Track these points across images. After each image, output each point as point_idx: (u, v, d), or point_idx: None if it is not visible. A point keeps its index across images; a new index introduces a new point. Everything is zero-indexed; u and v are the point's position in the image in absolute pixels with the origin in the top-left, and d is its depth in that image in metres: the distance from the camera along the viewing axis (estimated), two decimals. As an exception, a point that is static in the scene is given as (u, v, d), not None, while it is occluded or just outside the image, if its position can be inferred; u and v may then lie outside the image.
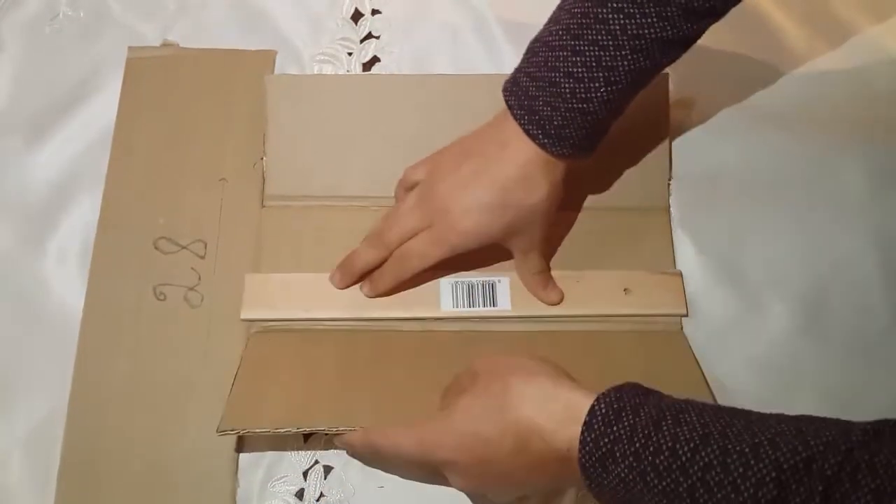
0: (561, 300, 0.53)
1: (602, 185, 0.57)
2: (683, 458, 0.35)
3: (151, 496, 0.49)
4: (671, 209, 0.57)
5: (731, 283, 0.55)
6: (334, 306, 0.53)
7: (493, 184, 0.48)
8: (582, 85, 0.45)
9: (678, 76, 0.57)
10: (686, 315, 0.54)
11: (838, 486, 0.32)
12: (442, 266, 0.51)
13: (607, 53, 0.44)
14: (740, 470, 0.33)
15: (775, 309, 0.54)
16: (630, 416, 0.37)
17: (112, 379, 0.51)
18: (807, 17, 0.64)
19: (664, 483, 0.35)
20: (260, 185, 0.57)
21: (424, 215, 0.49)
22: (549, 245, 0.53)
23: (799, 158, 0.59)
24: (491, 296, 0.53)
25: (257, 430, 0.45)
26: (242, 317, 0.52)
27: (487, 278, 0.54)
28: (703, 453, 0.34)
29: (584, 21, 0.45)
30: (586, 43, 0.44)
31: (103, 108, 0.60)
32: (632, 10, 0.43)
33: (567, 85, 0.45)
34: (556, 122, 0.46)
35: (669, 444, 0.35)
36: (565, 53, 0.45)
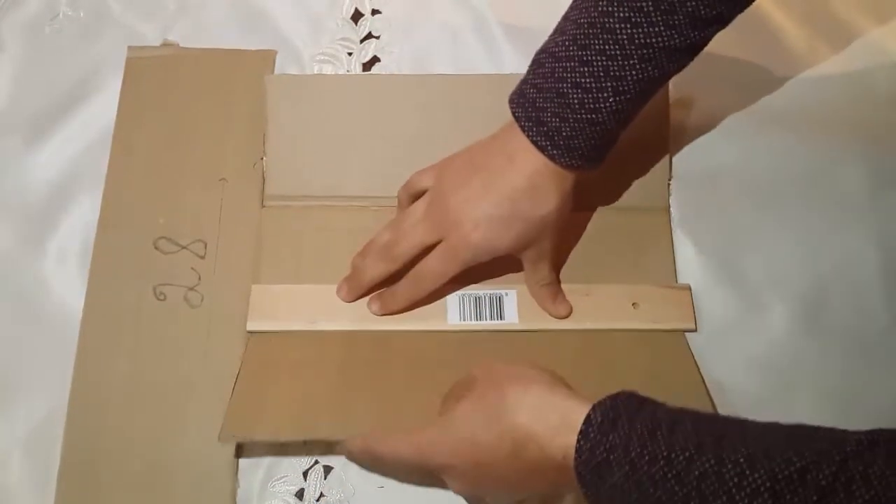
0: (569, 314, 0.53)
1: (602, 185, 0.57)
2: (679, 468, 0.35)
3: (151, 496, 0.49)
4: (671, 209, 0.57)
5: (731, 284, 0.55)
6: (340, 318, 0.52)
7: (503, 196, 0.47)
8: (590, 95, 0.45)
9: (679, 77, 0.57)
10: (695, 330, 0.53)
11: (833, 496, 0.32)
12: (451, 280, 0.51)
13: (615, 63, 0.44)
14: (735, 480, 0.33)
15: (775, 309, 0.54)
16: (625, 425, 0.37)
17: (112, 379, 0.51)
18: (807, 18, 0.64)
19: (660, 492, 0.35)
20: (260, 185, 0.57)
21: (434, 228, 0.49)
22: (558, 255, 0.53)
23: (799, 159, 0.59)
24: (498, 309, 0.53)
25: (258, 439, 0.46)
26: (248, 328, 0.52)
27: (495, 291, 0.54)
28: (698, 462, 0.34)
29: (590, 31, 0.44)
30: (594, 53, 0.44)
31: (103, 108, 0.60)
32: (639, 20, 0.43)
33: (575, 95, 0.45)
34: (564, 133, 0.46)
35: (665, 453, 0.35)
36: (573, 64, 0.45)
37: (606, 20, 0.44)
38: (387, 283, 0.52)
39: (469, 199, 0.48)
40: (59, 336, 0.52)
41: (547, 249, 0.51)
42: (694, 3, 0.43)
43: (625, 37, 0.44)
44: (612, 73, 0.44)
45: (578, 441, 0.37)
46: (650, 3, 0.43)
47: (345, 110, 0.57)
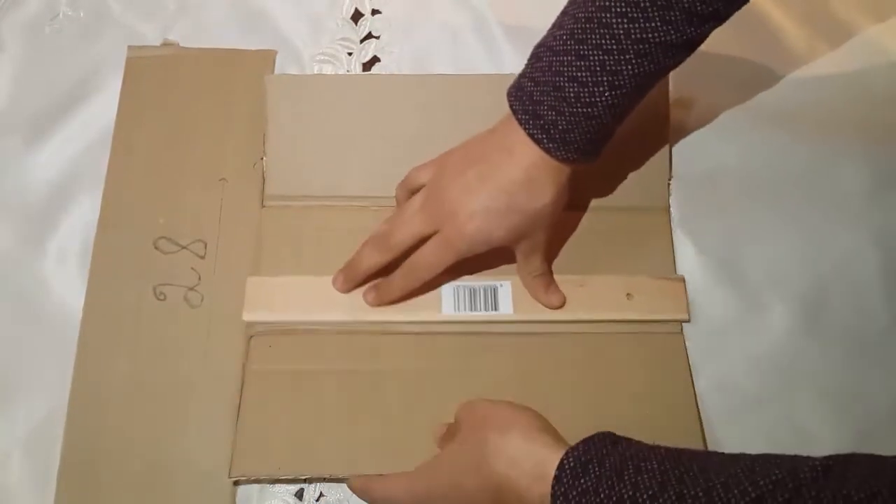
0: (562, 304, 0.53)
1: (602, 184, 0.57)
2: None
3: (151, 496, 0.49)
4: (671, 209, 0.57)
5: (731, 283, 0.55)
6: (335, 309, 0.53)
7: (499, 189, 0.48)
8: (586, 89, 0.45)
9: (678, 76, 0.57)
10: (688, 321, 0.54)
11: None
12: (446, 271, 0.51)
13: (611, 58, 0.44)
14: None
15: (775, 309, 0.54)
16: (596, 468, 0.39)
17: (112, 379, 0.51)
18: (807, 18, 0.64)
19: None
20: (260, 185, 0.57)
21: (430, 219, 0.49)
22: (552, 248, 0.53)
23: (799, 158, 0.59)
24: (493, 300, 0.53)
25: (264, 477, 0.49)
26: (244, 318, 0.52)
27: (489, 283, 0.54)
28: (660, 500, 0.36)
29: (588, 26, 0.45)
30: (590, 47, 0.44)
31: (103, 108, 0.60)
32: (635, 15, 0.43)
33: (571, 89, 0.45)
34: (560, 127, 0.46)
35: (630, 493, 0.37)
36: (570, 58, 0.45)
37: (603, 15, 0.44)
38: (382, 274, 0.52)
39: (465, 190, 0.48)
40: (59, 336, 0.52)
41: (541, 242, 0.51)
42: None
43: (621, 31, 0.44)
44: (608, 68, 0.45)
45: (553, 486, 0.39)
46: None
47: (345, 110, 0.57)
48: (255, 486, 0.50)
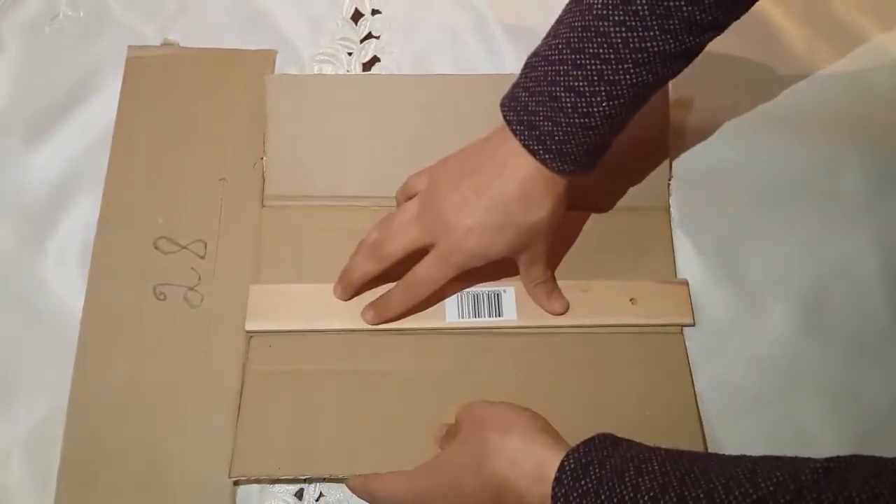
0: (566, 310, 0.53)
1: (602, 185, 0.57)
2: None
3: (151, 496, 0.49)
4: (671, 209, 0.57)
5: (731, 284, 0.55)
6: (337, 317, 0.53)
7: (495, 203, 0.47)
8: (583, 99, 0.44)
9: (679, 77, 0.57)
10: (693, 325, 0.53)
11: None
12: (446, 285, 0.51)
13: (609, 67, 0.44)
14: None
15: (775, 309, 0.54)
16: (597, 470, 0.38)
17: (112, 379, 0.51)
18: (807, 18, 0.64)
19: None
20: (260, 185, 0.57)
21: (425, 232, 0.49)
22: (553, 255, 0.53)
23: (799, 159, 0.59)
24: (497, 306, 0.53)
25: (264, 477, 0.49)
26: (246, 328, 0.52)
27: (493, 288, 0.54)
28: (661, 502, 0.36)
29: (584, 35, 0.44)
30: (587, 56, 0.44)
31: (103, 108, 0.60)
32: (634, 24, 0.43)
33: (568, 99, 0.44)
34: (557, 138, 0.45)
35: (631, 495, 0.37)
36: (566, 67, 0.44)
37: (601, 24, 0.43)
38: (378, 282, 0.52)
39: (461, 204, 0.48)
40: (59, 336, 0.52)
41: (541, 252, 0.50)
42: (690, 8, 0.42)
43: (619, 41, 0.43)
44: (605, 78, 0.44)
45: (553, 488, 0.39)
46: (645, 7, 0.42)
47: (345, 110, 0.57)
48: (255, 486, 0.50)
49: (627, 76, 0.44)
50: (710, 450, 0.50)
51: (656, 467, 0.38)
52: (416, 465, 0.46)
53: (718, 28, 0.45)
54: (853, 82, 0.62)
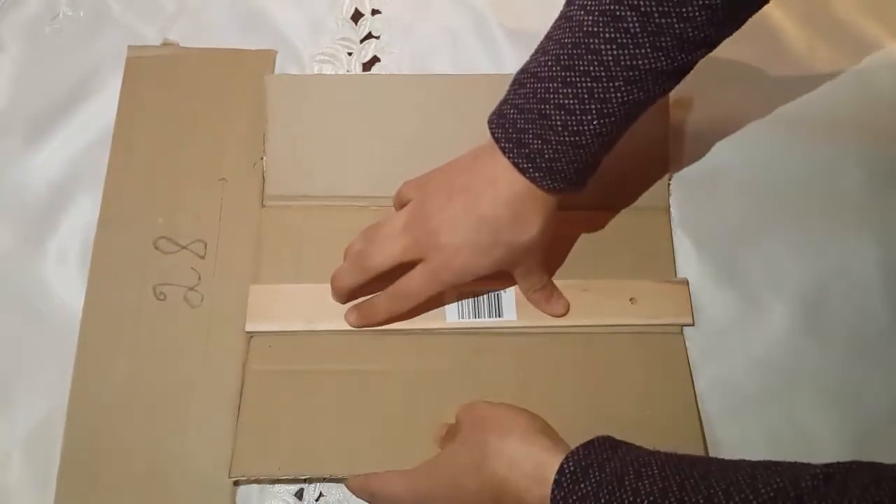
0: (566, 311, 0.53)
1: (602, 185, 0.56)
2: None
3: (151, 496, 0.49)
4: (671, 209, 0.57)
5: (731, 284, 0.55)
6: (338, 318, 0.53)
7: (484, 223, 0.47)
8: (574, 117, 0.44)
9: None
10: (692, 324, 0.54)
11: None
12: (438, 295, 0.51)
13: (600, 85, 0.43)
14: None
15: (775, 309, 0.54)
16: (596, 473, 0.38)
17: (112, 379, 0.51)
18: (807, 18, 0.64)
19: None
20: (260, 185, 0.57)
21: (412, 247, 0.48)
22: (548, 263, 0.53)
23: (799, 158, 0.59)
24: (497, 306, 0.53)
25: (264, 477, 0.49)
26: (247, 329, 0.52)
27: (493, 288, 0.54)
28: None
29: (574, 52, 0.43)
30: (578, 74, 0.43)
31: (103, 108, 0.60)
32: (625, 41, 0.42)
33: (558, 117, 0.44)
34: (546, 156, 0.45)
35: (631, 499, 0.37)
36: (555, 85, 0.44)
37: (591, 41, 0.43)
38: (371, 287, 0.52)
39: (450, 222, 0.47)
40: (59, 336, 0.52)
41: (534, 264, 0.50)
42: (682, 26, 0.42)
43: (610, 58, 0.43)
44: (596, 95, 0.43)
45: (553, 491, 0.39)
46: (637, 25, 0.42)
47: (345, 110, 0.57)
48: (255, 487, 0.50)
49: (618, 94, 0.43)
50: (710, 450, 0.50)
51: (656, 471, 0.38)
52: (416, 465, 0.46)
53: (710, 45, 0.44)
54: (853, 82, 0.61)
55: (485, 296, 0.53)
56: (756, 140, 0.59)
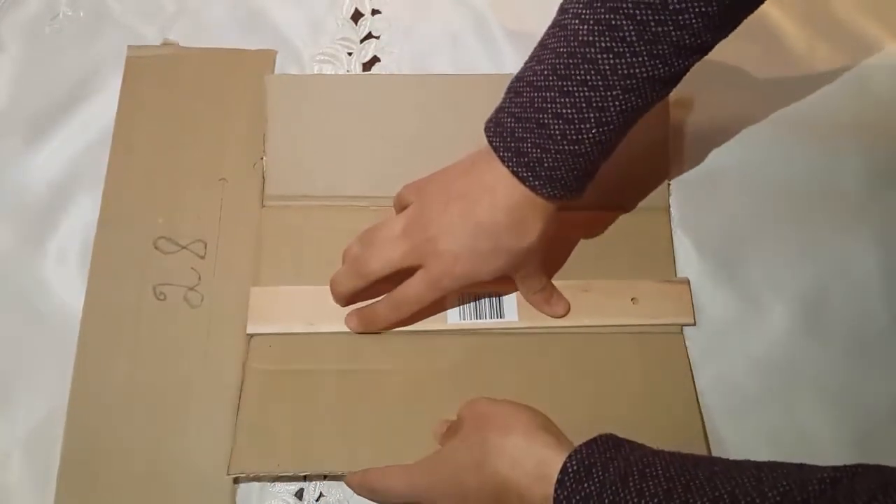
0: (567, 312, 0.53)
1: (602, 185, 0.56)
2: None
3: (151, 496, 0.49)
4: (671, 209, 0.57)
5: (730, 284, 0.55)
6: (338, 319, 0.53)
7: (483, 230, 0.47)
8: (572, 126, 0.44)
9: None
10: (693, 324, 0.54)
11: None
12: (438, 300, 0.51)
13: (598, 94, 0.43)
14: None
15: (775, 309, 0.54)
16: (600, 472, 0.38)
17: (112, 379, 0.51)
18: (807, 18, 0.64)
19: None
20: (260, 185, 0.57)
21: (411, 253, 0.48)
22: (548, 265, 0.53)
23: (799, 158, 0.59)
24: (498, 308, 0.53)
25: (264, 473, 0.48)
26: (248, 331, 0.52)
27: (494, 291, 0.54)
28: None
29: (571, 61, 0.43)
30: (575, 83, 0.43)
31: (103, 108, 0.59)
32: (621, 50, 0.42)
33: (557, 126, 0.44)
34: (546, 164, 0.45)
35: (635, 500, 0.36)
36: (553, 94, 0.44)
37: (587, 50, 0.43)
38: (371, 292, 0.52)
39: (449, 229, 0.47)
40: (59, 336, 0.52)
41: (534, 268, 0.51)
42: (678, 33, 0.42)
43: (607, 67, 0.42)
44: (594, 104, 0.43)
45: (556, 491, 0.38)
46: (633, 33, 0.42)
47: (345, 110, 0.57)
48: (255, 487, 0.50)
49: (617, 102, 0.43)
50: (712, 449, 0.50)
51: (660, 472, 0.37)
52: (416, 461, 0.46)
53: (706, 50, 0.44)
54: (853, 82, 0.62)
55: (486, 297, 0.54)
56: (756, 140, 0.59)
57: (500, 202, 0.46)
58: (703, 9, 0.41)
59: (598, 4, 0.42)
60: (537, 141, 0.44)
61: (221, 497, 0.49)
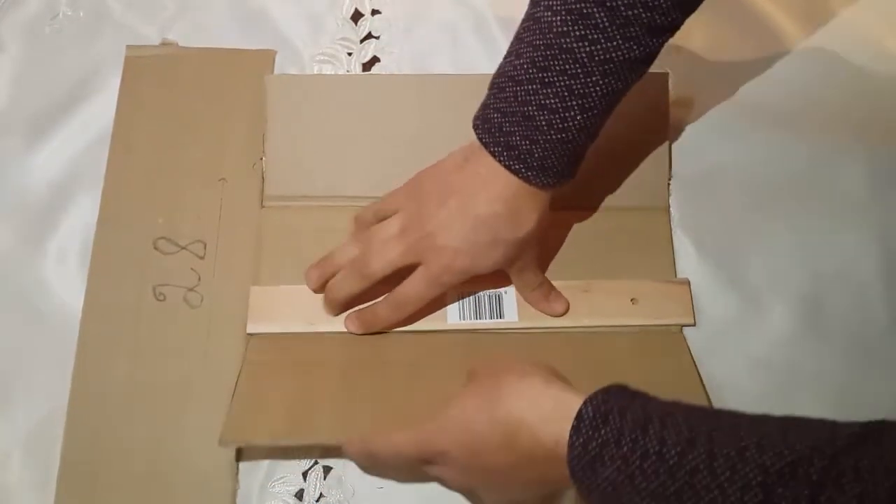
0: (566, 310, 0.53)
1: (602, 185, 0.57)
2: (671, 462, 0.35)
3: (151, 496, 0.49)
4: (671, 209, 0.57)
5: (730, 284, 0.55)
6: (339, 320, 0.52)
7: (482, 222, 0.47)
8: (557, 115, 0.45)
9: (678, 76, 0.57)
10: (694, 324, 0.54)
11: (823, 490, 0.32)
12: (437, 298, 0.51)
13: (578, 82, 0.44)
14: (727, 474, 0.33)
15: (775, 309, 0.54)
16: (617, 419, 0.37)
17: (112, 379, 0.51)
18: (807, 17, 0.64)
19: (652, 486, 0.35)
20: (259, 186, 0.57)
21: (410, 251, 0.49)
22: (543, 259, 0.53)
23: (799, 158, 0.59)
24: (498, 307, 0.53)
25: (257, 443, 0.47)
26: (248, 331, 0.52)
27: (493, 290, 0.54)
28: (689, 457, 0.34)
29: (548, 53, 0.44)
30: (555, 74, 0.44)
31: (103, 108, 0.59)
32: (596, 37, 0.43)
33: (542, 117, 0.45)
34: (536, 155, 0.46)
35: (657, 448, 0.35)
36: (535, 86, 0.45)
37: (563, 40, 0.43)
38: (366, 296, 0.52)
39: (448, 224, 0.48)
40: (60, 336, 0.52)
41: (530, 260, 0.51)
42: (649, 14, 0.43)
43: (584, 55, 0.43)
44: (576, 92, 0.44)
45: (571, 436, 0.37)
46: (605, 19, 0.43)
47: (344, 110, 0.57)
48: (256, 487, 0.50)
49: (597, 88, 0.44)
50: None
51: (681, 420, 0.36)
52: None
53: (677, 27, 0.45)
54: (853, 81, 0.62)
55: (486, 297, 0.54)
56: (756, 140, 0.59)
57: (496, 194, 0.47)
58: None
59: None
60: (525, 133, 0.45)
61: (221, 497, 0.49)
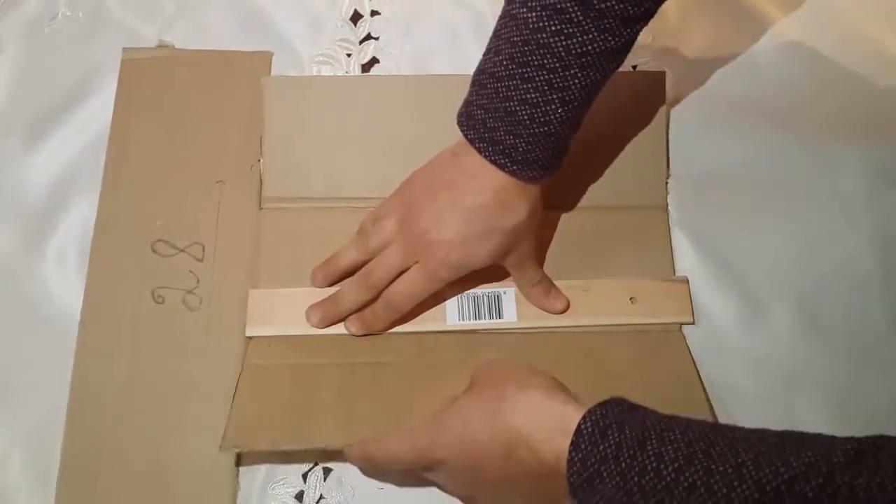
0: (566, 308, 0.53)
1: (600, 184, 0.57)
2: (668, 479, 0.35)
3: (151, 496, 0.49)
4: (669, 208, 0.57)
5: (730, 284, 0.55)
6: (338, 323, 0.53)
7: (473, 214, 0.48)
8: (539, 109, 0.45)
9: (677, 76, 0.57)
10: (693, 323, 0.54)
11: None
12: (446, 287, 0.51)
13: (557, 75, 0.44)
14: (724, 491, 0.34)
15: (775, 309, 0.54)
16: (616, 434, 0.37)
17: (112, 381, 0.51)
18: (806, 17, 0.64)
19: (650, 503, 0.35)
20: (257, 188, 0.57)
21: (407, 252, 0.49)
22: (541, 253, 0.53)
23: (799, 158, 0.59)
24: (497, 307, 0.53)
25: (258, 448, 0.47)
26: (247, 334, 0.52)
27: (493, 290, 0.54)
28: (686, 474, 0.35)
29: (526, 49, 0.44)
30: (534, 69, 0.44)
31: (102, 109, 0.59)
32: (571, 31, 0.43)
33: (524, 112, 0.45)
34: (521, 149, 0.46)
35: (654, 465, 0.35)
36: (515, 82, 0.45)
37: (539, 36, 0.44)
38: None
39: (439, 219, 0.48)
40: (60, 337, 0.53)
41: (527, 251, 0.51)
42: (622, 6, 0.43)
43: (561, 49, 0.44)
44: (556, 85, 0.45)
45: (570, 452, 0.37)
46: (579, 13, 0.43)
47: (342, 111, 0.57)
48: (256, 488, 0.50)
49: (576, 80, 0.45)
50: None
51: (679, 436, 0.36)
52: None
53: (651, 16, 0.45)
54: (852, 81, 0.61)
55: (485, 298, 0.54)
56: (755, 139, 0.59)
57: (484, 186, 0.48)
58: None
59: None
60: (508, 128, 0.46)
61: (222, 499, 0.49)
